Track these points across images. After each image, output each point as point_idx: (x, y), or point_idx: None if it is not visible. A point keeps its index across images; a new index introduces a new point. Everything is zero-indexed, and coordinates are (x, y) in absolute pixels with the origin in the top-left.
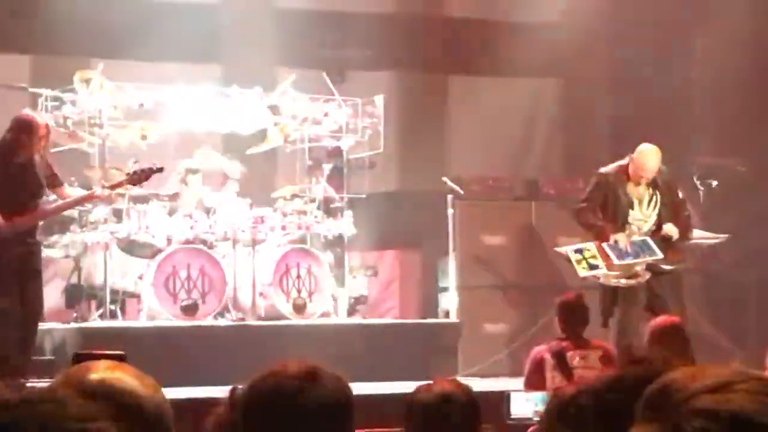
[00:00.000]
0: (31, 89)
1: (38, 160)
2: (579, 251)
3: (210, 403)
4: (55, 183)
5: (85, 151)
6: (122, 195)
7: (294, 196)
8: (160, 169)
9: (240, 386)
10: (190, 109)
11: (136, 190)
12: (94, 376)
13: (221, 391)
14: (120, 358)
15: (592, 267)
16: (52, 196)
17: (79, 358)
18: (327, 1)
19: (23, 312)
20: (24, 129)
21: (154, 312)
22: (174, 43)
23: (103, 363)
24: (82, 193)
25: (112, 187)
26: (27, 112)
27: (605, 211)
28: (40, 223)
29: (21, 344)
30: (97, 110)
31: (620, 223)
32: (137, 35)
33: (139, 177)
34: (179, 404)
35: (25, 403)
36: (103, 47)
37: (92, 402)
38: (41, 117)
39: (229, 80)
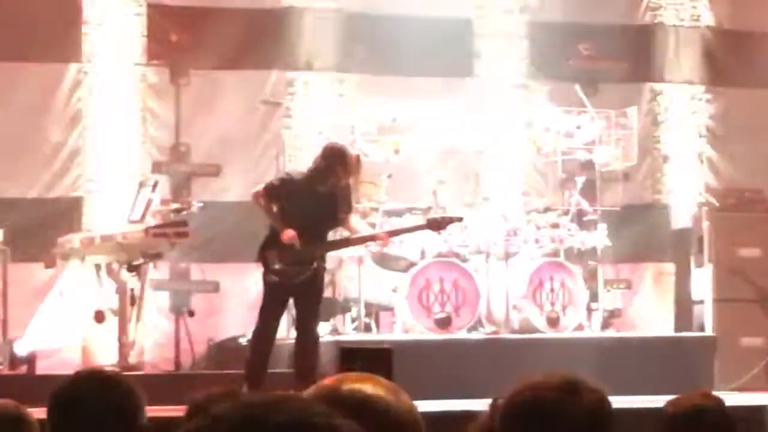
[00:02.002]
0: (286, 103)
1: (343, 189)
2: None
3: (466, 416)
4: (348, 211)
5: None
6: (376, 209)
7: (547, 209)
8: (460, 219)
9: (500, 398)
10: (442, 123)
11: (389, 204)
12: (346, 387)
13: (476, 404)
14: (386, 353)
15: None
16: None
17: (345, 352)
18: (580, 12)
19: (300, 325)
20: (336, 158)
21: (408, 325)
22: (427, 58)
23: (355, 375)
24: (365, 226)
25: (410, 230)
26: (336, 141)
27: None
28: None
29: (300, 350)
30: (348, 124)
31: None
32: (390, 50)
33: (439, 224)
34: (434, 417)
35: (272, 401)
36: (357, 63)
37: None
38: (352, 153)
39: (482, 94)
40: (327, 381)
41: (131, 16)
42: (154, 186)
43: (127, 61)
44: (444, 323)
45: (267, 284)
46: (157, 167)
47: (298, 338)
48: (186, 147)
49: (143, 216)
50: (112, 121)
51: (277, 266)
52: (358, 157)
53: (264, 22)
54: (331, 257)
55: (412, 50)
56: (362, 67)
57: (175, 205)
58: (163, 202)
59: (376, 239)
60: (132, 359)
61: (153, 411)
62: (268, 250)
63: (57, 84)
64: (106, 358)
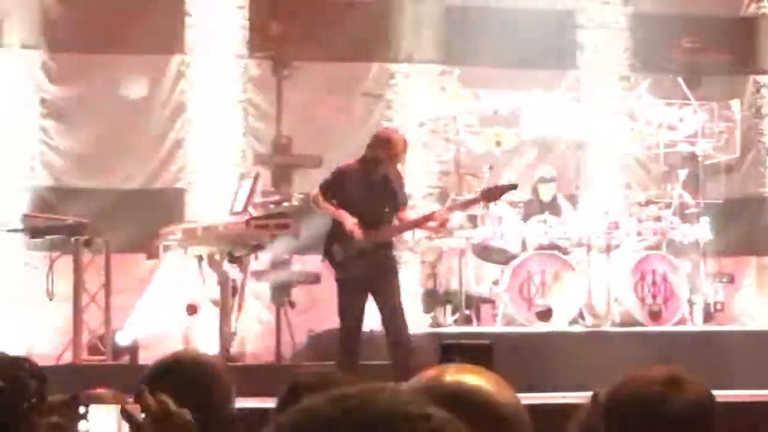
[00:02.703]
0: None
1: (394, 175)
2: None
3: (569, 408)
4: (401, 202)
5: (441, 159)
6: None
7: (649, 201)
8: (514, 186)
9: (601, 391)
10: (544, 115)
11: None
12: (449, 378)
13: (579, 397)
14: (487, 349)
15: None
16: None
17: (445, 348)
18: (682, 4)
19: (385, 321)
20: (382, 145)
21: (509, 317)
22: (529, 50)
23: (458, 366)
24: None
25: (466, 204)
26: (386, 127)
27: None
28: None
29: (393, 342)
30: (452, 117)
31: None
32: (492, 42)
33: (493, 193)
34: (535, 409)
35: (365, 392)
36: (459, 54)
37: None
38: (398, 132)
39: (584, 86)
40: (428, 372)
41: (233, 8)
42: (256, 178)
43: (229, 53)
44: (545, 315)
45: (339, 282)
46: (258, 159)
47: (386, 332)
48: (287, 139)
49: (245, 207)
50: (213, 113)
51: (341, 258)
52: (404, 141)
53: (365, 14)
54: (432, 249)
55: (515, 42)
56: (464, 59)
57: (277, 197)
58: (265, 193)
59: (434, 219)
60: (233, 350)
61: (253, 401)
62: (332, 244)
63: (160, 75)
64: (208, 348)
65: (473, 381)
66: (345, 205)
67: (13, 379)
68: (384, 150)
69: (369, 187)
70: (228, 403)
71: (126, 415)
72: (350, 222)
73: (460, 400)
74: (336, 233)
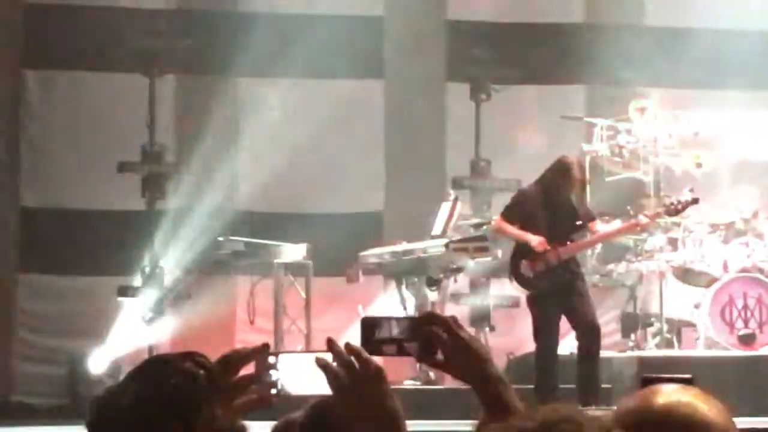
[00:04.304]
0: (586, 119)
1: (576, 197)
2: None
3: None
4: (587, 218)
5: (641, 180)
6: (678, 224)
7: None
8: (696, 200)
9: None
10: (747, 136)
11: (692, 219)
12: (662, 399)
13: None
14: (688, 382)
15: None
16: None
17: (646, 381)
18: None
19: (579, 332)
20: (559, 172)
21: (711, 341)
22: (729, 70)
23: (672, 387)
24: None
25: (651, 218)
26: (565, 156)
27: None
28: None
29: (584, 361)
30: (652, 138)
31: None
32: (693, 63)
33: (676, 208)
34: None
35: (545, 426)
36: (660, 78)
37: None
38: (576, 159)
39: None
40: (643, 392)
41: (430, 32)
42: (455, 201)
43: (428, 77)
44: (748, 340)
45: (530, 300)
46: (457, 182)
47: (579, 346)
48: (486, 162)
49: (444, 231)
50: (412, 137)
51: (531, 275)
52: (580, 165)
53: (563, 36)
54: (630, 272)
55: (716, 63)
56: (664, 81)
57: (476, 220)
58: (463, 217)
59: (623, 232)
60: (432, 374)
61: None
62: (519, 263)
63: (359, 99)
64: (406, 372)
65: (686, 401)
66: (528, 227)
67: (182, 372)
68: (558, 176)
69: (551, 210)
70: None
71: (322, 363)
72: (536, 240)
73: (672, 419)
74: (522, 252)
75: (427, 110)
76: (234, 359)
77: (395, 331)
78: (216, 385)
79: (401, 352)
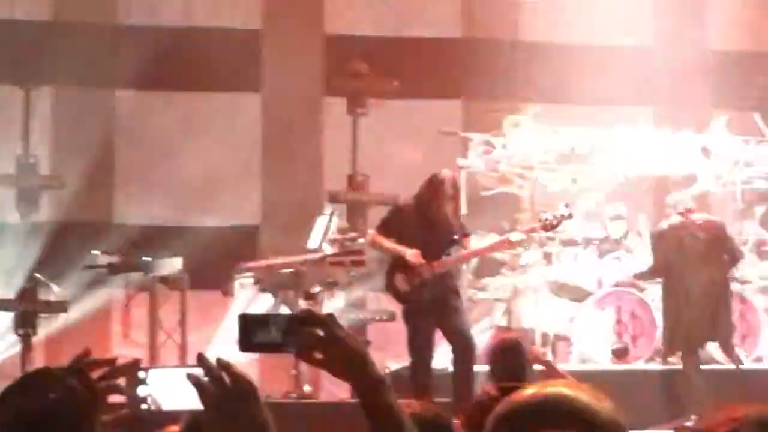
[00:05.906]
0: (462, 133)
1: (450, 212)
2: None
3: None
4: (462, 233)
5: (516, 195)
6: (552, 239)
7: None
8: (571, 216)
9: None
10: (621, 152)
11: (567, 234)
12: (547, 392)
13: None
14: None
15: None
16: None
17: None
18: (759, 42)
19: (454, 345)
20: (432, 188)
21: (585, 355)
22: (607, 87)
23: (553, 381)
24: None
25: (526, 233)
26: (443, 171)
27: None
28: (464, 266)
29: (459, 374)
30: (527, 154)
31: None
32: (568, 79)
33: (551, 223)
34: None
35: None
36: (535, 92)
37: None
38: (449, 175)
39: (661, 122)
40: (523, 391)
41: (308, 46)
42: (331, 215)
43: (305, 91)
44: (621, 353)
45: (405, 314)
46: (334, 197)
47: (454, 357)
48: (363, 177)
49: (320, 245)
50: (289, 150)
51: (406, 289)
52: (454, 181)
53: (440, 51)
54: (505, 286)
55: (592, 79)
56: (540, 96)
57: (352, 234)
58: (340, 231)
59: (497, 248)
60: (307, 388)
61: None
62: (394, 276)
63: (237, 113)
64: (281, 385)
65: (572, 393)
66: (403, 241)
67: (66, 389)
68: (431, 192)
69: (425, 225)
70: None
71: (193, 380)
72: (411, 253)
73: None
74: (398, 265)
75: (304, 124)
76: (107, 373)
77: (273, 329)
78: (96, 400)
79: (279, 349)
